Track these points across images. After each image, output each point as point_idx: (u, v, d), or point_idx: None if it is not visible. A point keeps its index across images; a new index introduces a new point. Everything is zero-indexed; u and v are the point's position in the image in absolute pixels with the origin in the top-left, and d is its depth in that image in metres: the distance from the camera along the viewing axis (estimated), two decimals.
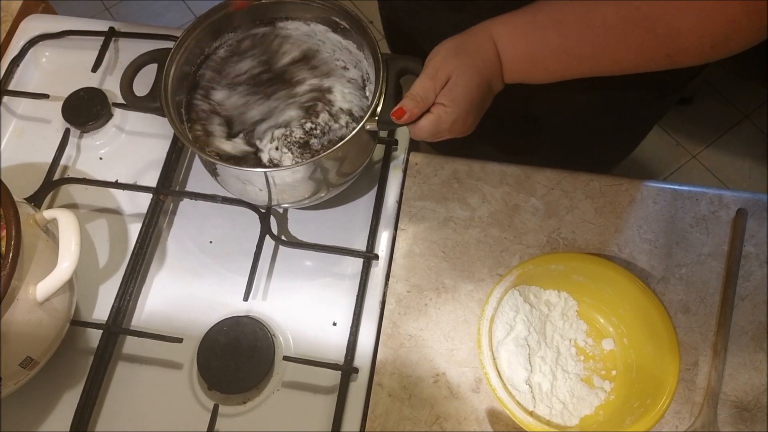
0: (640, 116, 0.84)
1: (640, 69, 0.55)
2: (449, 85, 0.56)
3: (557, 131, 0.82)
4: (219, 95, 0.67)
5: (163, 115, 0.61)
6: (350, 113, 0.69)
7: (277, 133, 0.66)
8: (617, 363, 0.64)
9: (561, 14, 0.54)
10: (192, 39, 0.65)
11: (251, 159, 0.66)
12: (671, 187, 0.72)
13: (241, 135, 0.66)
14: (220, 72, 0.68)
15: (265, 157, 0.66)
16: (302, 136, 0.66)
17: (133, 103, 0.62)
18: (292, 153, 0.66)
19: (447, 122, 0.58)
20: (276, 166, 0.65)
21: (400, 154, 0.74)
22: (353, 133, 0.59)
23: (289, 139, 0.66)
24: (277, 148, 0.66)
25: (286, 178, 0.61)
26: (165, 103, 0.61)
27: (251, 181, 0.62)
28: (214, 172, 0.65)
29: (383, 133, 0.74)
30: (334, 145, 0.59)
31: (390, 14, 0.82)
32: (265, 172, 0.60)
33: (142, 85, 0.63)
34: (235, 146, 0.65)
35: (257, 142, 0.66)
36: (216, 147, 0.65)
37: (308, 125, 0.67)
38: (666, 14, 0.49)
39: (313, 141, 0.66)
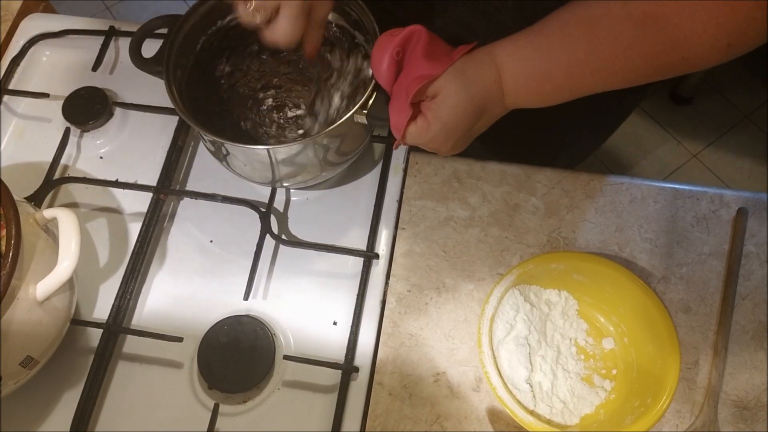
0: (618, 98, 0.81)
1: (656, 76, 0.53)
2: (436, 101, 0.55)
3: (537, 125, 0.80)
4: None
5: (162, 77, 0.62)
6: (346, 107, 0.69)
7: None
8: (618, 362, 0.64)
9: (567, 29, 0.52)
10: (204, 9, 0.66)
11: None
12: (672, 186, 0.72)
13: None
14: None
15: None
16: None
17: (138, 63, 0.63)
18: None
19: (425, 137, 0.57)
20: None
21: (401, 153, 0.74)
22: (341, 120, 0.59)
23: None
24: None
25: (284, 154, 0.62)
26: (166, 69, 0.62)
27: (251, 160, 0.64)
28: (218, 152, 0.66)
29: (383, 132, 0.74)
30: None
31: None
32: (267, 149, 0.61)
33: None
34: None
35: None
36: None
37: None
38: (676, 16, 0.47)
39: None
